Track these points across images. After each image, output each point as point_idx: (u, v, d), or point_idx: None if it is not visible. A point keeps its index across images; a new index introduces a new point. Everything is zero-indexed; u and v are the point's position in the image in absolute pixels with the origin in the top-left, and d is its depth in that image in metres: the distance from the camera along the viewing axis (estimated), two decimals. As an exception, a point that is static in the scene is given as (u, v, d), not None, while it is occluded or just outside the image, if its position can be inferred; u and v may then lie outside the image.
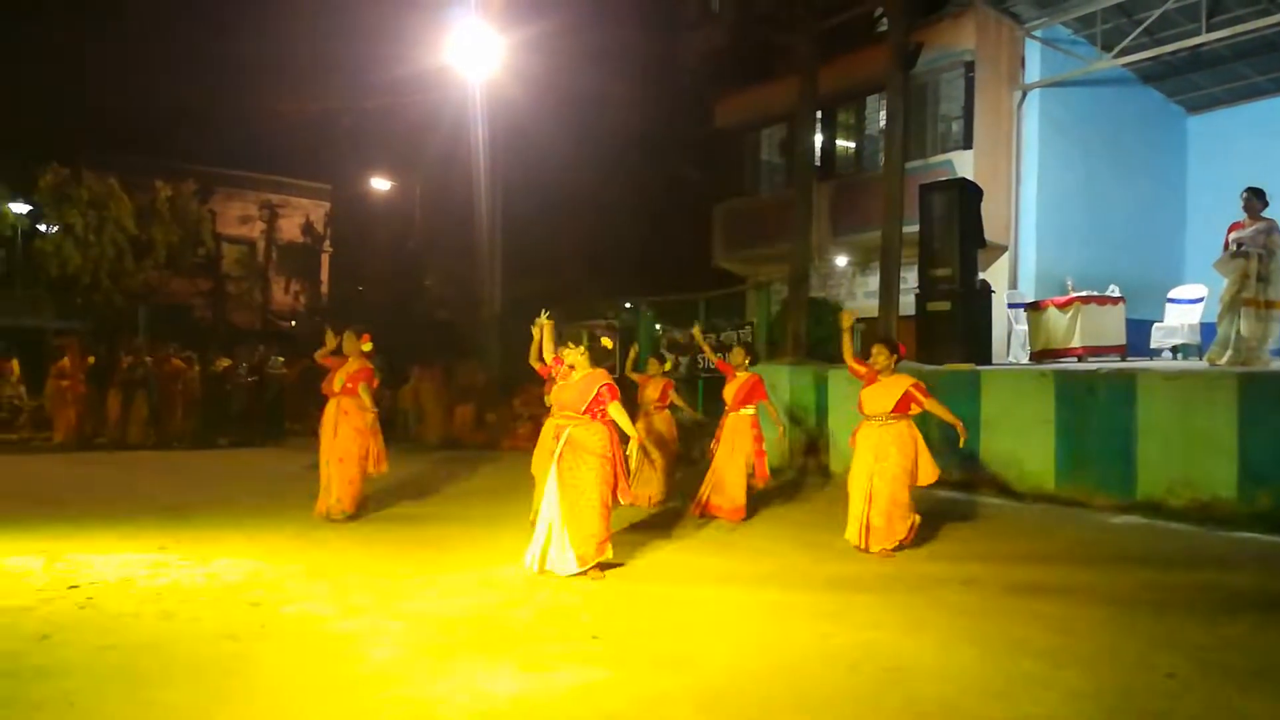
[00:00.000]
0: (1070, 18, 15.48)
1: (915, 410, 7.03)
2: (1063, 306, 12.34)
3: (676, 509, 9.01)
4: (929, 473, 7.01)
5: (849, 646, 4.69)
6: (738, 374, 8.77)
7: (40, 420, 16.39)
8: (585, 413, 6.20)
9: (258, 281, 31.52)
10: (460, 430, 16.51)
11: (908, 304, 13.21)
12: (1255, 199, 9.37)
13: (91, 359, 16.59)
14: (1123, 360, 11.99)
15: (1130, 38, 14.76)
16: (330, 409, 8.37)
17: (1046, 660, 4.49)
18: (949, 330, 11.75)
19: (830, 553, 7.04)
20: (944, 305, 11.96)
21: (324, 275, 33.20)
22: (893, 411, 6.96)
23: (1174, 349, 12.70)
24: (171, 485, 10.76)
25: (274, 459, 13.69)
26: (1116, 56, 15.16)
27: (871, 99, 17.39)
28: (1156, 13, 14.23)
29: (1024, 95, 16.07)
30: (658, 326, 16.72)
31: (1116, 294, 12.56)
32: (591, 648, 4.65)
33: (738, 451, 8.45)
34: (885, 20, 15.86)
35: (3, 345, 19.14)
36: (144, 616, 5.14)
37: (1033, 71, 16.07)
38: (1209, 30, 13.96)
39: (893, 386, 7.02)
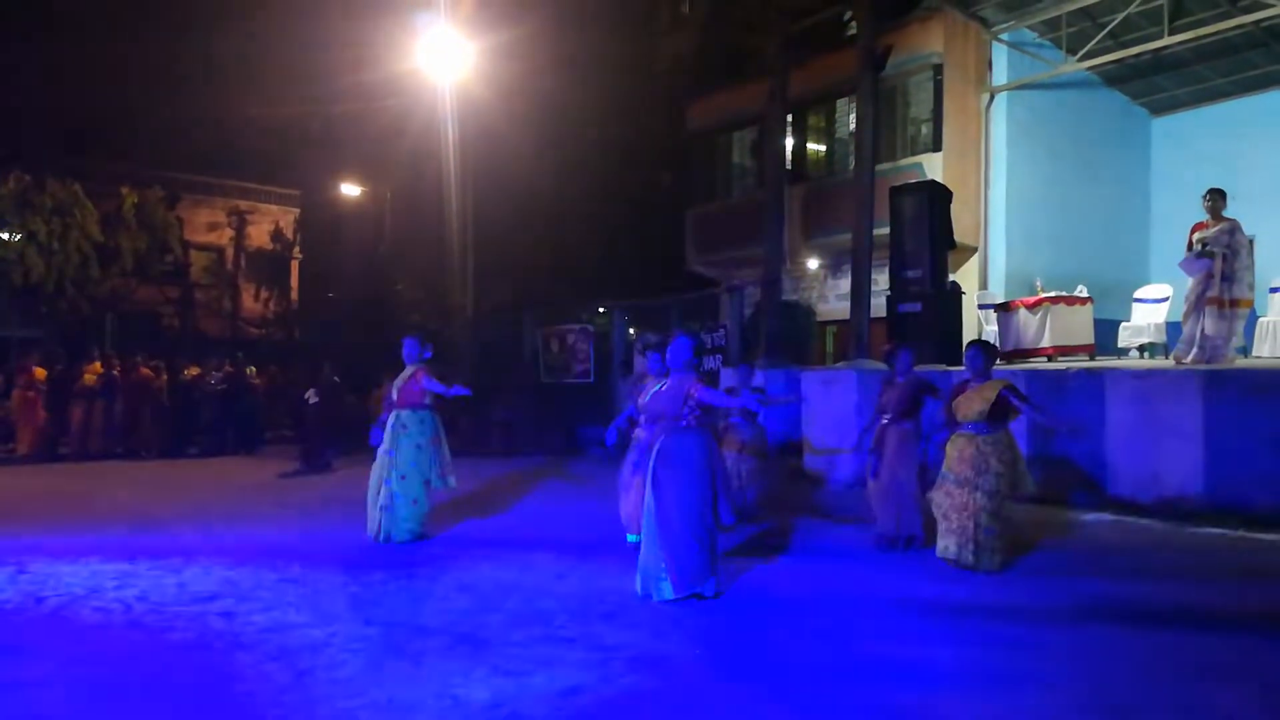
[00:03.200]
0: (1036, 21, 15.64)
1: (1014, 415, 6.61)
2: (1032, 307, 12.48)
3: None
4: (1025, 483, 6.65)
5: (823, 645, 4.71)
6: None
7: (4, 432, 16.09)
8: (680, 420, 5.66)
9: (227, 289, 31.22)
10: (433, 436, 16.36)
11: (879, 306, 13.31)
12: (1218, 199, 9.53)
13: (59, 367, 16.30)
14: (1091, 359, 12.15)
15: (1094, 41, 14.96)
16: (389, 423, 7.85)
17: (1019, 655, 4.52)
18: (920, 331, 11.82)
19: (810, 553, 7.06)
20: (915, 307, 12.05)
21: (294, 282, 32.91)
22: (989, 420, 6.46)
23: (1141, 348, 12.86)
24: (140, 495, 10.60)
25: (245, 468, 13.54)
26: (1081, 60, 15.36)
27: (842, 102, 17.51)
28: (1120, 16, 14.42)
29: (992, 98, 16.23)
30: (630, 330, 16.71)
31: (1084, 294, 12.71)
32: (567, 651, 4.64)
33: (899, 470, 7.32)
34: (855, 23, 15.97)
35: None
36: (113, 628, 5.06)
37: (1000, 74, 16.24)
38: (1171, 33, 14.16)
39: (986, 391, 6.54)
